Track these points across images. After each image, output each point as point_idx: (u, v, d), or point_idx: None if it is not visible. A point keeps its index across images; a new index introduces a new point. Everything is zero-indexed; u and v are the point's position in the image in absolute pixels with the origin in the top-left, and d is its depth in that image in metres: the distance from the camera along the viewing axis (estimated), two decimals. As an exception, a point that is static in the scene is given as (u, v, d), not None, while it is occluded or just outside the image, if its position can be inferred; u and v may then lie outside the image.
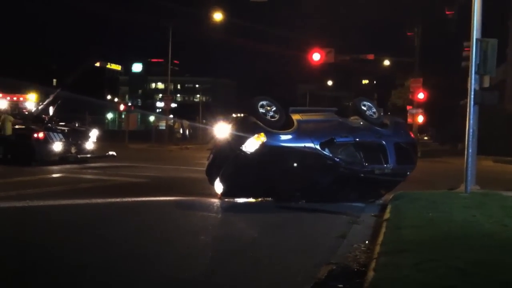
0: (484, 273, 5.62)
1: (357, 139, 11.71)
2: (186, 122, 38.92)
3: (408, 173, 12.34)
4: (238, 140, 10.96)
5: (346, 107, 13.73)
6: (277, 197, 11.90)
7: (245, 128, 11.11)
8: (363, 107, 12.68)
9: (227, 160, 11.34)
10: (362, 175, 11.50)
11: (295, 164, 11.25)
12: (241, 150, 10.81)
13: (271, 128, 11.11)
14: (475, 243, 7.04)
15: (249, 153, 10.76)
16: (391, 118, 13.51)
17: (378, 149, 11.79)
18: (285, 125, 11.48)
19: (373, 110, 12.73)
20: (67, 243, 7.47)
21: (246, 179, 11.33)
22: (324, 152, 11.27)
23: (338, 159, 11.30)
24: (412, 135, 14.37)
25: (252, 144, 10.75)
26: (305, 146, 11.16)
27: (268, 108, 11.49)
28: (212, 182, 11.87)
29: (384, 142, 11.91)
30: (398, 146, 11.97)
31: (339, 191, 11.89)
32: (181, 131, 37.92)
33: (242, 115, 12.88)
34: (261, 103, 11.53)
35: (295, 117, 11.76)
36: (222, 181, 11.52)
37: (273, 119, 11.39)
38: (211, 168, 11.93)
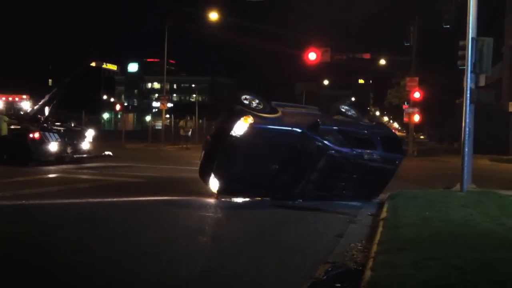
0: (482, 271, 5.62)
1: (342, 127, 12.38)
2: (190, 122, 38.80)
3: (397, 162, 12.61)
4: (227, 126, 11.35)
5: (327, 108, 14.55)
6: (273, 192, 11.87)
7: (232, 114, 11.59)
8: (342, 109, 13.58)
9: (219, 152, 11.50)
10: (352, 159, 11.88)
11: (284, 149, 11.55)
12: (231, 136, 11.17)
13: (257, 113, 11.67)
14: (473, 242, 7.04)
15: (239, 136, 11.14)
16: (372, 118, 14.45)
17: (364, 138, 12.45)
18: (270, 113, 12.06)
19: (352, 112, 13.63)
20: (64, 242, 7.44)
21: (240, 170, 11.43)
22: (312, 134, 11.77)
23: (326, 141, 11.78)
24: (394, 132, 15.15)
25: (241, 126, 11.16)
26: (292, 129, 11.67)
27: (252, 100, 12.06)
28: (206, 181, 11.84)
29: (367, 132, 12.67)
30: (382, 137, 12.60)
31: (334, 184, 12.05)
32: (185, 129, 37.75)
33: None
34: (244, 96, 12.12)
35: (279, 109, 12.41)
36: (216, 175, 11.53)
37: (258, 107, 11.96)
38: (204, 166, 11.95)
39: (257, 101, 12.08)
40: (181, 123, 38.04)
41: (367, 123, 13.67)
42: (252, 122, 11.25)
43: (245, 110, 11.54)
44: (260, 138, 11.43)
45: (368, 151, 12.13)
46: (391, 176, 12.62)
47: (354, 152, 11.98)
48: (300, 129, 11.73)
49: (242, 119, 11.23)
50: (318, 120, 12.17)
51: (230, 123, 11.36)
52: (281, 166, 11.67)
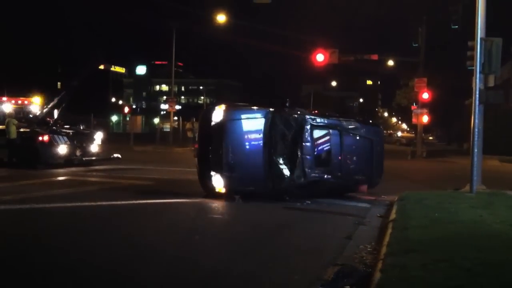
0: (491, 273, 5.59)
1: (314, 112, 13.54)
2: (197, 124, 38.88)
3: (378, 131, 13.98)
4: (206, 119, 12.42)
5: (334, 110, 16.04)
6: (278, 180, 12.04)
7: (208, 109, 13.01)
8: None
9: (209, 145, 12.14)
10: (333, 127, 12.70)
11: (267, 128, 12.12)
12: (212, 125, 12.13)
13: None
14: (482, 243, 7.01)
15: (218, 121, 12.07)
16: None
17: (335, 115, 13.92)
18: None
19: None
20: (73, 245, 7.47)
21: (235, 159, 11.84)
22: (286, 109, 12.68)
23: (301, 113, 12.65)
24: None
25: (217, 113, 12.22)
26: (267, 109, 12.46)
27: None
28: (209, 185, 12.05)
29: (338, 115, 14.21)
30: (354, 118, 14.36)
31: (330, 158, 12.62)
32: (192, 131, 37.78)
33: None
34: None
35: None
36: (216, 169, 11.89)
37: None
38: (202, 171, 12.38)
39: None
40: (188, 125, 38.10)
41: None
42: (226, 106, 12.35)
43: (218, 102, 13.06)
44: (238, 118, 12.19)
45: (345, 120, 13.22)
46: (380, 148, 13.39)
47: (332, 120, 12.93)
48: (273, 107, 12.62)
49: (216, 107, 12.38)
50: (287, 99, 13.15)
51: (208, 116, 12.44)
52: (273, 148, 12.18)
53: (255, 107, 12.71)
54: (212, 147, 12.05)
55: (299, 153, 12.22)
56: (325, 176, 12.40)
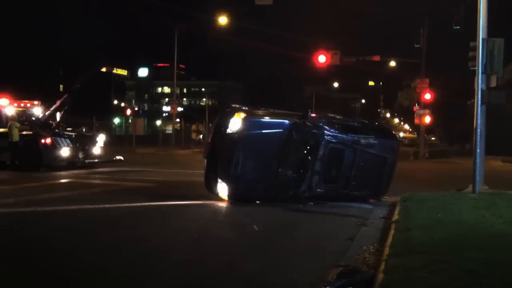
0: (495, 274, 5.58)
1: (333, 120, 13.03)
2: (201, 126, 38.91)
3: (395, 147, 13.05)
4: (222, 125, 11.91)
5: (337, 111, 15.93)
6: (282, 191, 11.93)
7: (225, 113, 12.30)
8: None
9: (220, 152, 11.82)
10: (350, 144, 12.20)
11: (282, 141, 11.80)
12: (228, 133, 11.65)
13: None
14: (486, 244, 7.00)
15: (235, 131, 11.60)
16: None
17: (356, 127, 13.14)
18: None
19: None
20: (78, 247, 7.48)
21: (244, 169, 11.65)
22: (305, 122, 12.22)
23: (320, 128, 12.15)
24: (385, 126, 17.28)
25: (235, 122, 11.69)
26: (285, 120, 12.11)
27: (241, 106, 12.81)
28: (214, 190, 11.97)
29: (357, 123, 13.58)
30: (373, 127, 13.89)
31: (339, 174, 12.27)
32: (197, 133, 37.83)
33: None
34: (233, 104, 13.35)
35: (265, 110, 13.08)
36: (222, 178, 11.71)
37: (247, 109, 12.49)
38: (208, 175, 12.18)
39: (244, 108, 12.61)
40: (194, 127, 38.19)
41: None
42: (245, 116, 11.76)
43: (237, 108, 12.28)
44: (255, 131, 11.83)
45: (363, 135, 12.52)
46: (393, 164, 12.76)
47: (350, 136, 12.36)
48: (292, 119, 12.21)
49: (235, 115, 11.77)
50: (309, 110, 12.92)
51: (225, 121, 11.90)
52: (283, 160, 11.92)
53: (274, 117, 12.34)
54: (223, 156, 11.77)
55: (309, 169, 11.94)
56: (330, 192, 12.24)
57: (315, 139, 12.05)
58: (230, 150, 11.59)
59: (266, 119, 12.26)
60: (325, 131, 12.11)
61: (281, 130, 11.84)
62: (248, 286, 5.92)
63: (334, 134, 12.20)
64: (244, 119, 11.68)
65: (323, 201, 12.09)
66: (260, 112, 12.60)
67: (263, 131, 11.86)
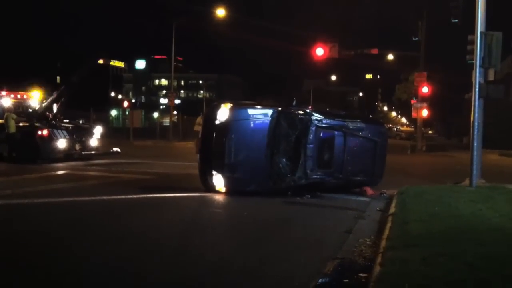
0: (492, 267, 5.58)
1: (320, 110, 13.52)
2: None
3: (382, 131, 13.77)
4: (211, 117, 12.29)
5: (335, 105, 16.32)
6: (279, 179, 12.01)
7: (213, 106, 12.71)
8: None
9: (212, 144, 12.01)
10: (338, 128, 12.55)
11: (271, 129, 12.03)
12: (217, 124, 12.01)
13: None
14: (483, 237, 7.00)
15: (223, 121, 11.96)
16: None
17: (342, 114, 13.93)
18: None
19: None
20: (75, 240, 7.45)
21: (237, 159, 11.85)
22: (292, 108, 12.66)
23: (307, 113, 12.54)
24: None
25: (223, 112, 12.09)
26: (271, 108, 12.36)
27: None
28: (210, 184, 12.00)
29: (343, 112, 14.48)
30: (358, 116, 14.11)
31: (333, 158, 12.54)
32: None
33: None
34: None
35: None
36: (216, 169, 11.84)
37: None
38: (203, 170, 12.25)
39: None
40: (199, 119, 38.35)
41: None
42: (232, 105, 12.18)
43: (223, 101, 12.69)
44: (244, 120, 12.09)
45: (351, 120, 13.04)
46: (384, 148, 13.22)
47: (338, 121, 12.73)
48: (278, 107, 12.53)
49: (222, 106, 12.19)
50: (294, 98, 13.21)
51: (213, 113, 12.27)
52: (276, 148, 12.10)
53: (260, 107, 12.61)
54: (215, 147, 11.96)
55: (302, 154, 12.12)
56: (326, 178, 12.36)
57: (304, 124, 12.35)
58: (221, 140, 11.85)
59: (253, 108, 12.59)
60: (312, 117, 12.47)
61: (269, 117, 12.12)
62: (246, 278, 5.90)
63: (322, 118, 12.55)
64: (231, 109, 12.10)
65: (321, 192, 12.13)
66: (247, 102, 13.54)
67: (251, 120, 12.11)
